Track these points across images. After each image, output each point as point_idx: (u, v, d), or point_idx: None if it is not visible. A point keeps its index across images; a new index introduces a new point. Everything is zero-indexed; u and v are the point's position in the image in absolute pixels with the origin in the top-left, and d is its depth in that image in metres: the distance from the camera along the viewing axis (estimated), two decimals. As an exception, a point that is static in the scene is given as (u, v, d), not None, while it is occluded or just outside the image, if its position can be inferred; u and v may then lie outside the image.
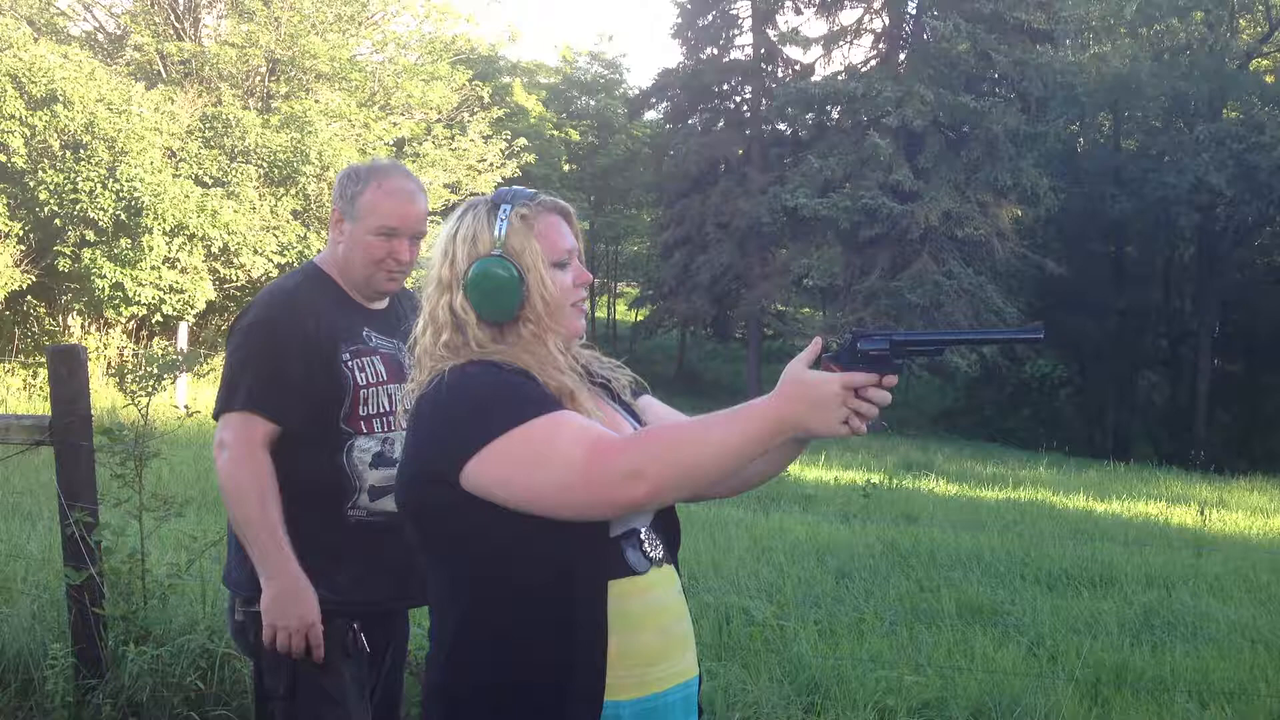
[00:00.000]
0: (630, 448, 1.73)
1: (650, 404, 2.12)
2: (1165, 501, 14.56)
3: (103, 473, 4.43)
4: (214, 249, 17.73)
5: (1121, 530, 11.02)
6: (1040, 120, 33.51)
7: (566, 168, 41.11)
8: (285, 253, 18.77)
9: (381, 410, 2.67)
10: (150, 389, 4.62)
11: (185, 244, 17.16)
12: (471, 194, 25.99)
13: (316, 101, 21.29)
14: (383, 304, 2.82)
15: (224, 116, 19.28)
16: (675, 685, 1.88)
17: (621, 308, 52.22)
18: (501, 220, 1.89)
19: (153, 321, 18.00)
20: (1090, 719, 4.60)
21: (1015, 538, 9.66)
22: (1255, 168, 33.74)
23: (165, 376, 4.71)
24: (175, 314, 17.65)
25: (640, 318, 43.01)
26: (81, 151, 16.98)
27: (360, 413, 2.65)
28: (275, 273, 19.41)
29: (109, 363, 17.20)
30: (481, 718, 1.80)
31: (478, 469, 1.74)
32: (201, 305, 18.18)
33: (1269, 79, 39.08)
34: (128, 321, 18.35)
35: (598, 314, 51.58)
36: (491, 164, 26.70)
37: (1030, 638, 6.22)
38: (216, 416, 2.68)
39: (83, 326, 18.18)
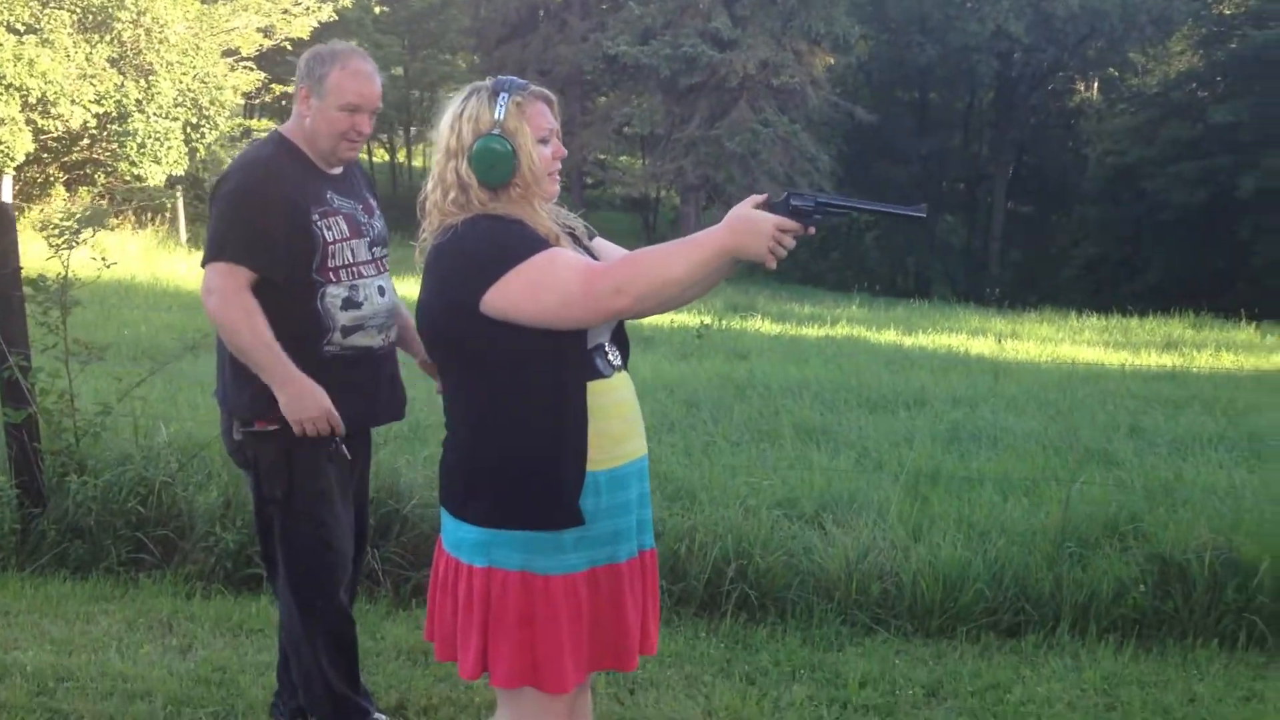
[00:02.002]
0: (613, 270, 2.34)
1: (601, 244, 2.68)
2: (965, 334, 15.90)
3: (31, 323, 4.81)
4: (31, 99, 17.13)
5: (928, 360, 12.15)
6: (852, -32, 34.24)
7: (378, 10, 40.01)
8: (103, 101, 18.24)
9: (347, 262, 3.16)
10: (71, 243, 4.97)
11: (1, 94, 16.54)
12: (286, 39, 25.59)
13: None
14: (339, 170, 3.30)
15: (30, -41, 18.41)
16: (634, 460, 2.54)
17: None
18: (500, 105, 2.42)
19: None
20: (914, 509, 5.48)
21: (837, 369, 10.65)
22: (1051, 15, 35.36)
23: (84, 230, 5.05)
24: (-5, 166, 17.10)
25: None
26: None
27: (329, 264, 3.13)
28: (93, 122, 18.89)
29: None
30: (497, 483, 2.42)
31: (496, 296, 2.32)
32: (20, 157, 17.61)
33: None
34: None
35: (414, 163, 50.94)
36: (308, 8, 26.08)
37: (858, 450, 7.12)
38: (204, 265, 3.15)
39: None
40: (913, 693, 3.98)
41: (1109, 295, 30.29)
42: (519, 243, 2.36)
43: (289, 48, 28.11)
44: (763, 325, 15.30)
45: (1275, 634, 4.51)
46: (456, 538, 2.48)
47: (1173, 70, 40.31)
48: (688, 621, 4.54)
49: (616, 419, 2.49)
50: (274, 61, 28.64)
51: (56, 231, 4.94)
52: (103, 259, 5.03)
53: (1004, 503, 5.76)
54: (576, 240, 2.59)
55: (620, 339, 2.60)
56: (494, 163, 2.40)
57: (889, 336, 14.99)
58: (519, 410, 2.40)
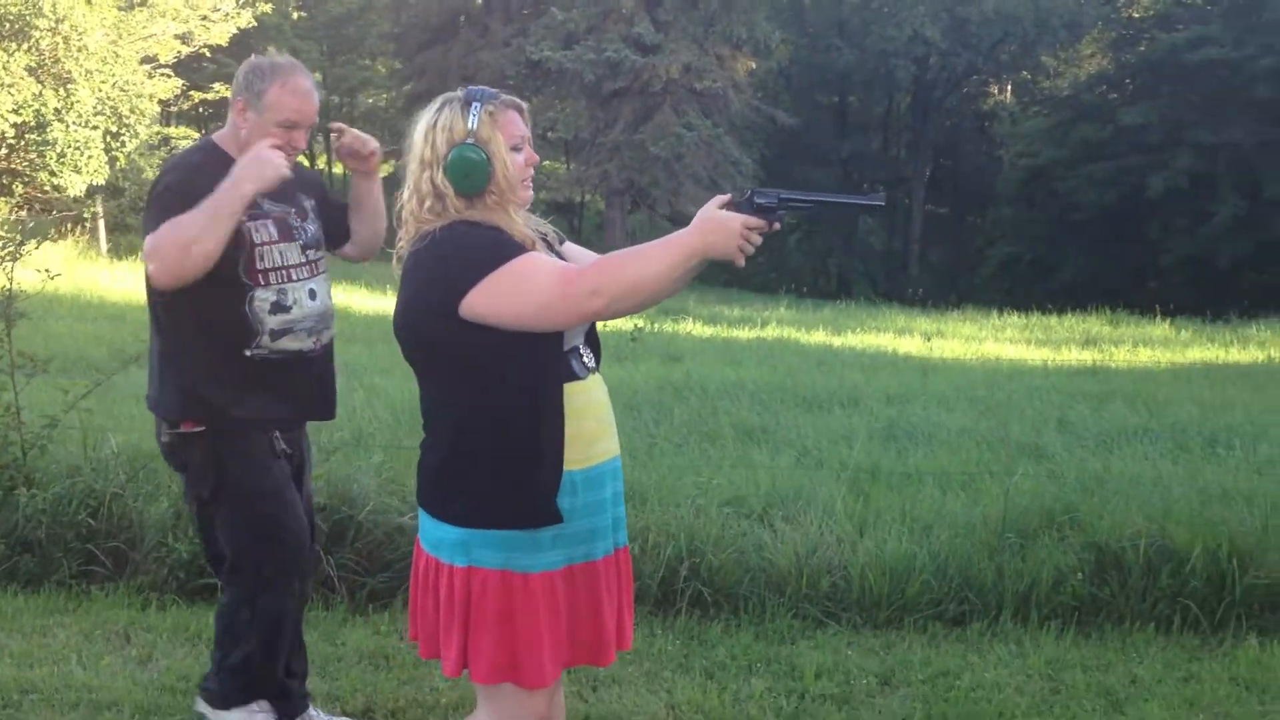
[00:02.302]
0: (589, 272, 2.41)
1: (571, 248, 2.76)
2: (892, 333, 16.18)
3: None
4: (-54, 108, 16.78)
5: (858, 359, 12.37)
6: (772, -27, 34.56)
7: (297, 15, 39.61)
8: (21, 111, 17.89)
9: (275, 265, 3.18)
10: (15, 254, 4.93)
11: (-84, 103, 16.19)
12: (205, 45, 25.24)
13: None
14: None
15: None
16: (608, 459, 2.61)
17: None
18: (474, 114, 2.48)
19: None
20: (858, 505, 5.61)
21: (771, 370, 10.80)
22: (965, 20, 36.01)
23: (27, 242, 5.01)
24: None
25: (384, 173, 42.32)
26: None
27: (257, 267, 3.15)
28: (11, 132, 18.50)
29: None
30: (476, 483, 2.48)
31: (475, 299, 2.38)
32: (-63, 167, 17.23)
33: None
34: None
35: (334, 170, 50.48)
36: (226, 14, 25.74)
37: (798, 449, 7.25)
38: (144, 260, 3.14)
39: None
40: (866, 682, 4.08)
41: (1025, 294, 30.93)
42: (497, 247, 2.42)
43: (207, 54, 27.74)
44: (694, 328, 15.44)
45: (1208, 617, 4.69)
46: (436, 538, 2.54)
47: (1083, 73, 41.26)
48: (643, 619, 4.60)
49: (591, 419, 2.55)
50: (192, 68, 28.22)
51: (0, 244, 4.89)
52: (46, 271, 4.98)
53: (943, 497, 5.92)
54: (549, 245, 2.66)
55: (593, 341, 2.67)
56: (469, 171, 2.45)
57: (818, 337, 15.21)
58: (497, 412, 2.46)
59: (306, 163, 47.28)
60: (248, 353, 3.15)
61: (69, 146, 18.59)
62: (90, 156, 18.68)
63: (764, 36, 33.15)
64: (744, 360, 11.60)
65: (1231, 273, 32.14)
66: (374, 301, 16.30)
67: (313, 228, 3.33)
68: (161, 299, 3.15)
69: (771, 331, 15.74)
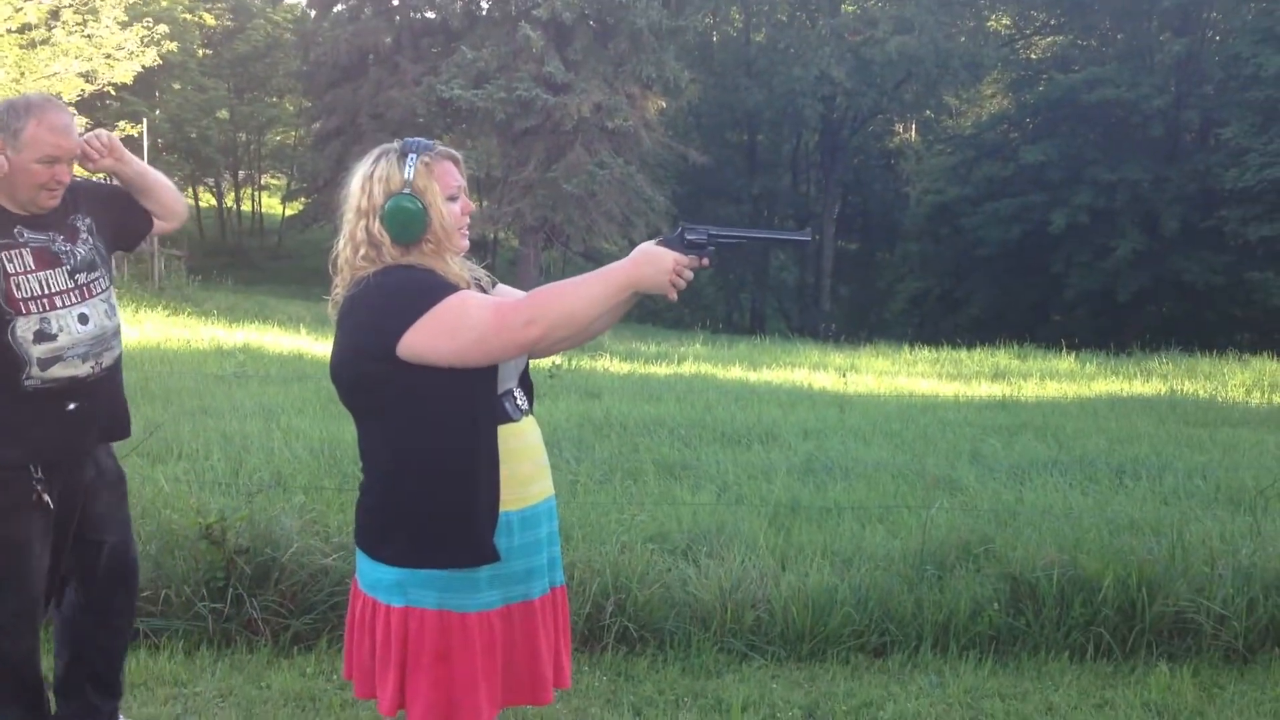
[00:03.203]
0: (523, 303, 2.46)
1: (504, 289, 2.79)
2: (807, 369, 16.36)
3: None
4: None
5: (775, 394, 12.49)
6: (680, 15, 34.92)
7: (202, 53, 39.22)
8: (-81, 151, 17.39)
9: (35, 294, 3.15)
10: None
11: None
12: (109, 84, 24.89)
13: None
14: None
15: None
16: (543, 500, 2.65)
17: (270, 201, 50.63)
18: (410, 165, 2.52)
19: None
20: (779, 539, 5.68)
21: (689, 406, 10.86)
22: (870, 60, 36.75)
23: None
24: None
25: (293, 211, 41.98)
26: None
27: (16, 295, 3.12)
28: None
29: None
30: (413, 524, 2.49)
31: (413, 338, 2.40)
32: None
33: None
34: None
35: (243, 207, 49.89)
36: (131, 52, 25.37)
37: (719, 484, 7.31)
38: None
39: None
40: (792, 714, 4.13)
41: (934, 328, 31.59)
42: (431, 287, 2.46)
43: (112, 92, 27.33)
44: (611, 364, 15.48)
45: (1120, 645, 4.82)
46: (373, 578, 2.55)
47: (985, 112, 42.38)
48: (570, 656, 4.61)
49: (527, 461, 2.60)
50: (94, 107, 27.77)
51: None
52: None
53: (863, 530, 6.01)
54: (481, 289, 2.69)
55: (526, 384, 2.71)
56: (406, 220, 2.50)
57: (735, 373, 15.33)
58: (433, 453, 2.48)
59: (212, 199, 46.51)
60: (26, 384, 3.11)
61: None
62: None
63: (673, 76, 33.49)
64: (662, 396, 11.65)
65: (1133, 306, 33.09)
66: (287, 340, 16.13)
67: (83, 250, 3.28)
68: None
69: (688, 368, 15.83)
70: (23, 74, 20.39)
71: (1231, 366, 17.77)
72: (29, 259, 3.15)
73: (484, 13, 34.58)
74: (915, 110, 43.40)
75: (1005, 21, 41.46)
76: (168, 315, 19.25)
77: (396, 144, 2.59)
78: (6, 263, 3.11)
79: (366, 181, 2.54)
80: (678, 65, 33.92)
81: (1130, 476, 7.82)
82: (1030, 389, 14.31)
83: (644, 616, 4.79)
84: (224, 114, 42.63)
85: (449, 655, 2.48)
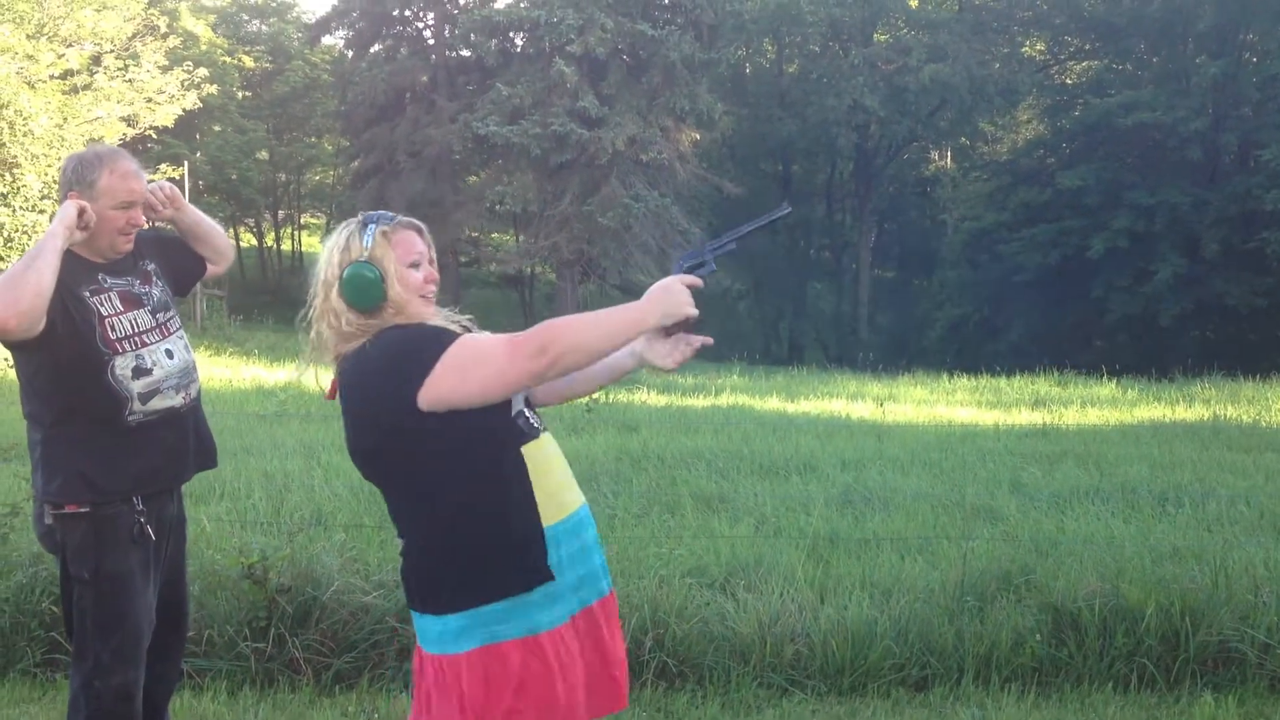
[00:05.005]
0: (535, 333, 2.49)
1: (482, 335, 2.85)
2: (844, 398, 16.31)
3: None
4: (-110, 195, 16.67)
5: (812, 425, 12.45)
6: (712, 48, 35.09)
7: (241, 96, 39.76)
8: (-39, 194, 17.80)
9: (127, 333, 3.33)
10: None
11: None
12: (150, 127, 25.29)
13: (-20, 33, 20.04)
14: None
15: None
16: (579, 507, 2.67)
17: (310, 240, 51.11)
18: (368, 235, 2.59)
19: None
20: (818, 572, 5.67)
21: (727, 438, 10.86)
22: (903, 89, 36.73)
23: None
24: None
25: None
26: None
27: (111, 336, 3.29)
28: (-43, 218, 18.40)
29: None
30: (462, 570, 2.52)
31: (433, 387, 2.45)
32: (-119, 256, 17.05)
33: (913, 3, 42.27)
34: None
35: (282, 247, 50.40)
36: (171, 96, 25.79)
37: (756, 517, 7.30)
38: None
39: None
40: (833, 750, 4.12)
41: (974, 355, 31.33)
42: (434, 336, 2.52)
43: (153, 135, 27.78)
44: (649, 397, 15.49)
45: (1164, 675, 4.78)
46: (437, 632, 2.55)
47: (1021, 138, 42.21)
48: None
49: (556, 470, 2.64)
50: (135, 150, 28.10)
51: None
52: (6, 359, 4.97)
53: (902, 562, 5.99)
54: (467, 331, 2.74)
55: (531, 405, 2.75)
56: (362, 286, 2.55)
57: (773, 404, 15.30)
58: (466, 489, 2.52)
59: (252, 239, 47.04)
60: (129, 419, 3.28)
61: (16, 231, 18.50)
62: (36, 240, 18.47)
63: (707, 108, 33.61)
64: (700, 429, 11.66)
65: (1174, 331, 32.75)
66: (327, 378, 16.23)
67: (157, 291, 3.48)
68: (31, 386, 3.29)
69: (726, 399, 15.82)
70: (65, 119, 20.75)
71: (1275, 390, 17.53)
72: (117, 301, 3.34)
73: (518, 50, 34.90)
74: (950, 137, 43.30)
75: (1039, 47, 41.35)
76: (210, 355, 19.46)
77: (359, 217, 2.66)
78: (99, 306, 3.29)
79: (330, 253, 2.62)
80: (711, 97, 34.05)
81: (1173, 504, 7.74)
82: (1071, 416, 14.18)
83: (683, 651, 4.79)
84: (264, 154, 43.15)
85: (529, 682, 2.49)
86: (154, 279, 3.48)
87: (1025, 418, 13.93)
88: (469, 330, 2.73)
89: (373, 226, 2.59)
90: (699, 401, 15.29)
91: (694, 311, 2.55)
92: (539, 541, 2.53)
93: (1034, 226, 34.79)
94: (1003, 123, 42.28)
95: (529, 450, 2.58)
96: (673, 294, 2.52)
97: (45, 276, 3.09)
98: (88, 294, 3.28)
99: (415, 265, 2.62)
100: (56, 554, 3.37)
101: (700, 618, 4.92)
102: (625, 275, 33.39)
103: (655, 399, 15.39)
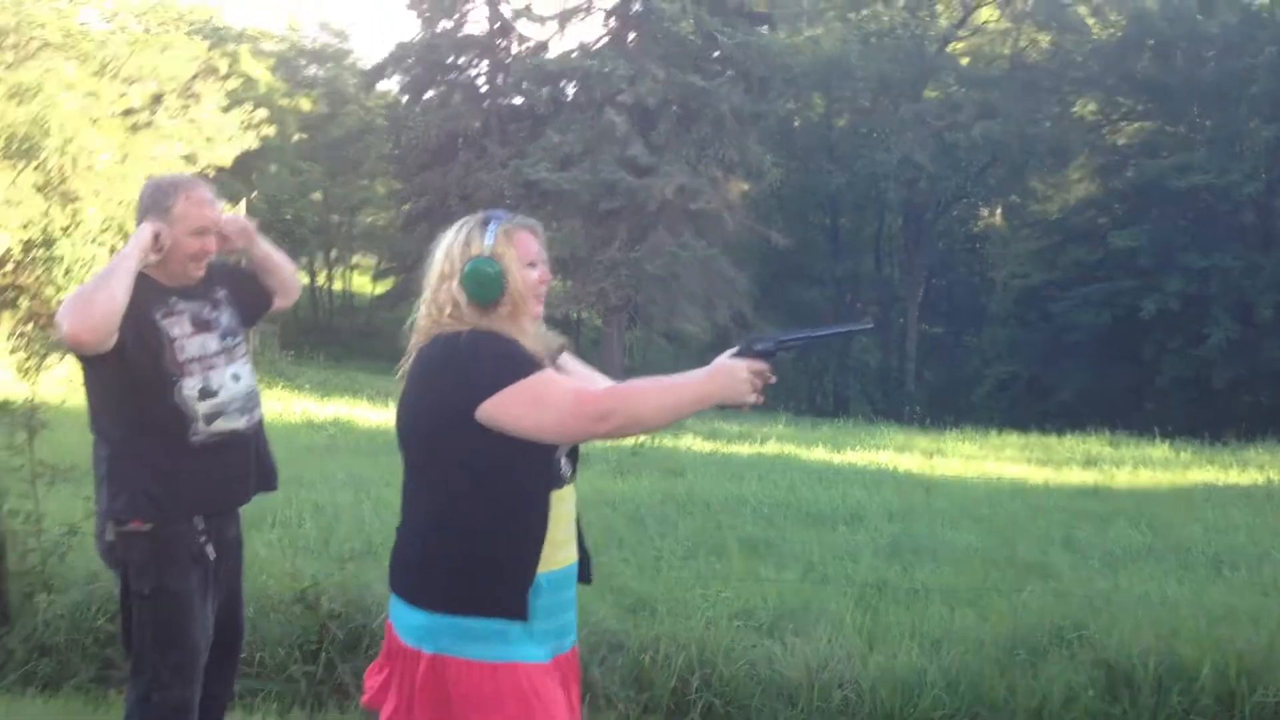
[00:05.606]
0: (602, 398, 2.53)
1: (568, 360, 2.87)
2: (892, 450, 16.22)
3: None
4: (-45, 223, 17.08)
5: (859, 476, 12.39)
6: (763, 100, 35.28)
7: (297, 138, 40.39)
8: (28, 228, 18.17)
9: (195, 356, 3.38)
10: (38, 365, 5.01)
11: (-72, 217, 16.49)
12: (209, 165, 25.74)
13: (48, 71, 20.47)
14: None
15: (-47, 87, 18.42)
16: (570, 564, 2.69)
17: (360, 279, 51.62)
18: (490, 232, 2.63)
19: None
20: (867, 619, 5.63)
21: (772, 485, 10.84)
22: (954, 145, 36.74)
23: (49, 355, 5.09)
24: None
25: (382, 291, 42.76)
26: None
27: (180, 358, 3.34)
28: (18, 248, 18.76)
29: None
30: (448, 582, 2.53)
31: (495, 406, 2.48)
32: (-56, 281, 17.46)
33: (964, 61, 42.37)
34: None
35: (334, 286, 50.95)
36: (230, 136, 26.24)
37: (803, 563, 7.27)
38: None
39: None
40: (882, 798, 4.06)
41: (1023, 413, 31.02)
42: (519, 360, 2.54)
43: (212, 173, 28.21)
44: (694, 443, 15.48)
45: (1219, 735, 4.68)
46: (409, 623, 2.58)
47: (1072, 197, 41.96)
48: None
49: (564, 525, 2.66)
50: (195, 187, 28.43)
51: (25, 356, 4.97)
52: (70, 381, 5.05)
53: (951, 613, 5.92)
54: (553, 357, 2.77)
55: (574, 455, 2.75)
56: (483, 281, 2.58)
57: (818, 454, 15.24)
58: (487, 510, 2.54)
59: (305, 277, 47.75)
60: (193, 439, 3.33)
61: (75, 262, 18.87)
62: (96, 271, 18.80)
63: (756, 160, 33.77)
64: (745, 475, 11.62)
65: (1227, 394, 32.30)
66: (376, 415, 16.36)
67: (226, 317, 3.53)
68: (101, 402, 3.34)
69: (771, 448, 15.78)
70: (126, 156, 21.16)
71: (1331, 458, 17.25)
72: (187, 325, 3.40)
73: (569, 99, 35.19)
74: (1000, 194, 43.19)
75: (1091, 108, 41.23)
76: (261, 388, 19.52)
77: (480, 214, 2.69)
78: (170, 329, 3.35)
79: (450, 247, 2.64)
80: (760, 149, 34.21)
81: (1228, 566, 7.63)
82: (1123, 477, 14.02)
83: (730, 692, 4.76)
84: (318, 195, 43.75)
85: (481, 704, 2.49)
86: (224, 306, 3.54)
87: (1076, 477, 13.79)
88: (562, 351, 2.79)
89: (495, 224, 2.63)
90: (744, 449, 15.27)
91: (754, 399, 2.55)
92: (527, 581, 2.55)
93: (1086, 286, 34.49)
94: (1053, 181, 42.10)
95: (555, 496, 2.61)
96: (737, 380, 2.52)
97: (118, 294, 3.16)
98: (159, 316, 3.34)
99: (532, 265, 2.66)
100: (117, 570, 3.41)
101: (748, 660, 4.88)
102: (671, 323, 33.44)
103: (700, 445, 15.38)
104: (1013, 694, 4.82)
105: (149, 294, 3.33)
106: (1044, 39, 41.15)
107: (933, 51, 40.34)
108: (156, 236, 3.29)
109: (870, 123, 39.49)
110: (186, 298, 3.43)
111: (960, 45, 43.40)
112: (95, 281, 3.23)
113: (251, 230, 3.61)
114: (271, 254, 3.72)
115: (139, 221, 3.41)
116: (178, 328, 3.36)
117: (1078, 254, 36.20)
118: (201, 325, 3.43)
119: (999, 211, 45.55)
